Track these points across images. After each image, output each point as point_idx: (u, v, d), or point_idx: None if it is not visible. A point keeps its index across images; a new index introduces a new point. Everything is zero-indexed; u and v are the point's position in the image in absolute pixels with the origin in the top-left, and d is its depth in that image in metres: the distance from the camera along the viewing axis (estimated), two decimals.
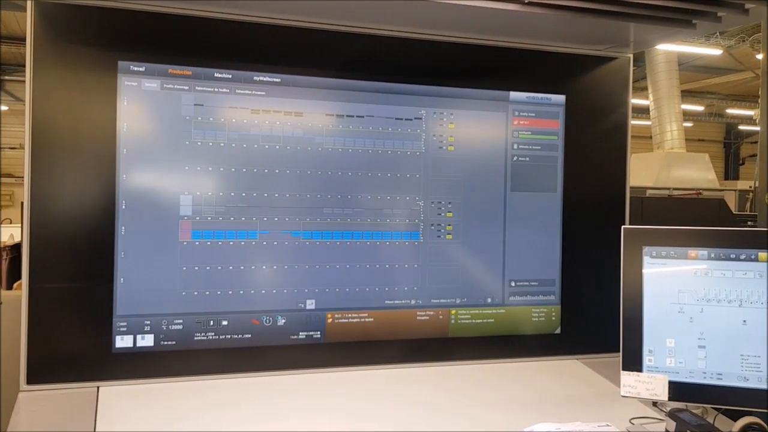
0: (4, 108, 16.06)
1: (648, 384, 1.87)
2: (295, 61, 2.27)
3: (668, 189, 9.77)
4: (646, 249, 1.91)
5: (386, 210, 2.38)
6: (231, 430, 1.84)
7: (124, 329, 2.11)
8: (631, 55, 2.64)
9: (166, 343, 2.15)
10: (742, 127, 21.05)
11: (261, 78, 2.23)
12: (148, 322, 2.14)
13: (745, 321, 1.83)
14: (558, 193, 2.56)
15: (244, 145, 2.23)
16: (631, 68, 2.65)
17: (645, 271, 1.91)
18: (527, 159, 2.53)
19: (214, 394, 2.07)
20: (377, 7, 2.12)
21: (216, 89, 2.20)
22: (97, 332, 2.10)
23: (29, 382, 2.01)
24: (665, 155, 11.04)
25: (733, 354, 1.83)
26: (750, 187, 11.22)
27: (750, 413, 1.76)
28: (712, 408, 1.93)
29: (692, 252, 1.89)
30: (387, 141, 2.37)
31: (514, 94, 2.51)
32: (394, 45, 2.36)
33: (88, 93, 2.08)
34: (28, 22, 2.00)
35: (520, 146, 2.52)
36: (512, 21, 2.22)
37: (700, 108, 18.94)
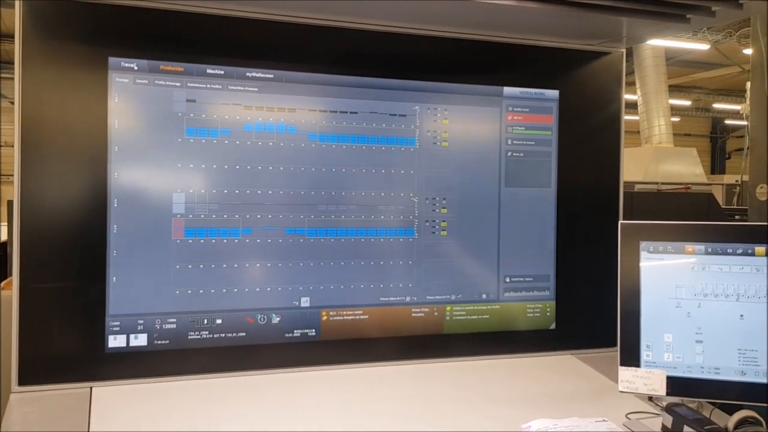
0: None
1: (646, 379, 1.87)
2: (288, 56, 2.25)
3: (656, 183, 9.83)
4: (643, 244, 1.91)
5: (381, 206, 2.37)
6: (226, 429, 1.82)
7: (117, 329, 2.09)
8: (624, 50, 2.64)
9: (159, 342, 2.13)
10: (728, 122, 21.20)
11: (254, 74, 2.21)
12: (142, 322, 2.11)
13: (742, 315, 1.83)
14: (552, 189, 2.56)
15: (237, 142, 2.20)
16: (624, 63, 2.65)
17: (642, 266, 1.91)
18: (521, 154, 2.52)
19: (209, 394, 2.05)
20: (369, 2, 2.10)
21: (208, 85, 2.17)
22: (90, 332, 2.07)
23: (21, 383, 1.98)
24: (653, 150, 11.11)
25: (730, 348, 1.84)
26: (736, 181, 11.30)
27: (746, 407, 1.77)
28: (708, 402, 1.94)
29: (689, 247, 1.89)
30: (381, 137, 2.36)
31: (507, 89, 2.50)
32: (387, 40, 2.34)
33: (79, 90, 2.05)
34: (16, 18, 1.97)
35: (514, 141, 2.51)
36: (505, 15, 2.21)
37: (687, 103, 19.07)
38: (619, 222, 1.97)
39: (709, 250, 1.88)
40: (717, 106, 19.57)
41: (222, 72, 2.17)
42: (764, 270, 1.83)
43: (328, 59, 2.30)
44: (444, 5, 2.11)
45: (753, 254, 1.84)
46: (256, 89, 2.22)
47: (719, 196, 10.75)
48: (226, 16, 2.15)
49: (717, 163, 22.55)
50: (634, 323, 1.90)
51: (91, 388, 2.03)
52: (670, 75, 13.23)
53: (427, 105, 2.40)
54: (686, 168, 10.82)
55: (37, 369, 2.01)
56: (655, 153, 10.90)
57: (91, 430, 1.77)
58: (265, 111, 2.23)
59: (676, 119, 16.69)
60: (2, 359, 2.08)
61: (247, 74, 2.20)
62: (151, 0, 2.07)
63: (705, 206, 6.04)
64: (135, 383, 2.08)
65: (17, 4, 1.96)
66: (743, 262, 1.85)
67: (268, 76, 2.22)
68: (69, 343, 2.06)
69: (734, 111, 17.95)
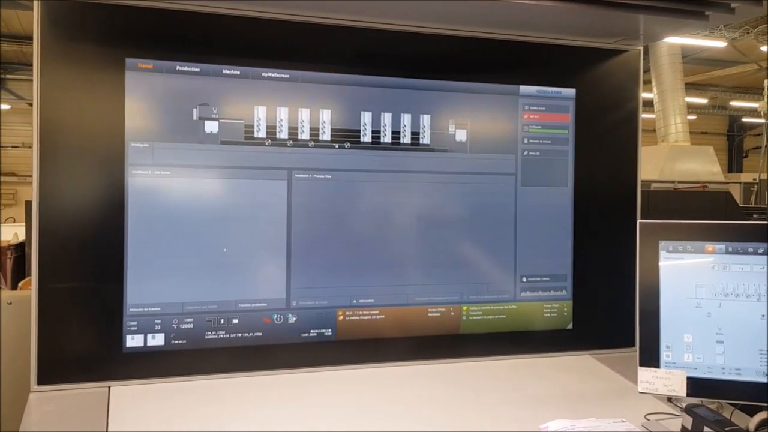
0: (5, 107, 16.07)
1: (666, 380, 1.85)
2: (304, 56, 2.25)
3: (673, 182, 9.76)
4: (662, 243, 1.89)
5: (396, 206, 2.36)
6: (243, 429, 1.83)
7: (135, 328, 2.10)
8: (642, 48, 2.62)
9: (176, 342, 2.14)
10: (745, 120, 21.01)
11: (269, 74, 2.21)
12: (159, 321, 2.12)
13: (763, 315, 1.81)
14: (569, 188, 2.54)
15: None
16: (642, 61, 2.63)
17: (662, 265, 1.89)
18: (538, 153, 2.51)
19: (226, 393, 2.06)
20: (387, 2, 2.10)
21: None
22: (108, 332, 2.08)
23: (40, 382, 2.00)
24: (670, 148, 11.01)
25: (751, 349, 1.81)
26: (754, 179, 11.20)
27: (767, 408, 1.75)
28: (729, 404, 1.92)
29: (709, 246, 1.86)
30: (394, 137, 2.35)
31: (524, 88, 2.49)
32: (402, 40, 2.34)
33: (96, 90, 2.06)
34: (34, 20, 1.98)
35: (531, 140, 2.50)
36: (522, 14, 2.20)
37: (703, 101, 18.92)
38: (638, 221, 1.95)
39: (730, 249, 1.85)
40: (734, 103, 19.40)
41: (238, 72, 2.18)
42: None
43: (343, 59, 2.30)
44: (461, 4, 2.10)
45: None
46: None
47: (737, 194, 10.65)
48: (241, 16, 2.15)
49: (734, 161, 22.36)
50: (654, 323, 1.88)
51: (109, 387, 2.04)
52: (687, 73, 13.10)
53: (444, 104, 2.39)
54: (703, 166, 10.72)
55: (56, 369, 2.02)
56: (671, 151, 10.80)
57: (109, 429, 1.78)
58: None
59: (692, 117, 16.56)
60: (21, 359, 2.09)
61: (263, 74, 2.21)
62: (168, 1, 2.08)
63: (722, 205, 5.99)
64: (152, 383, 2.09)
65: (35, 5, 1.97)
66: (764, 261, 1.82)
67: (283, 76, 2.22)
68: (87, 343, 2.07)
69: (752, 109, 17.78)
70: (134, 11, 2.06)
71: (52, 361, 2.01)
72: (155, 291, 2.12)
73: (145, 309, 2.11)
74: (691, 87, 16.39)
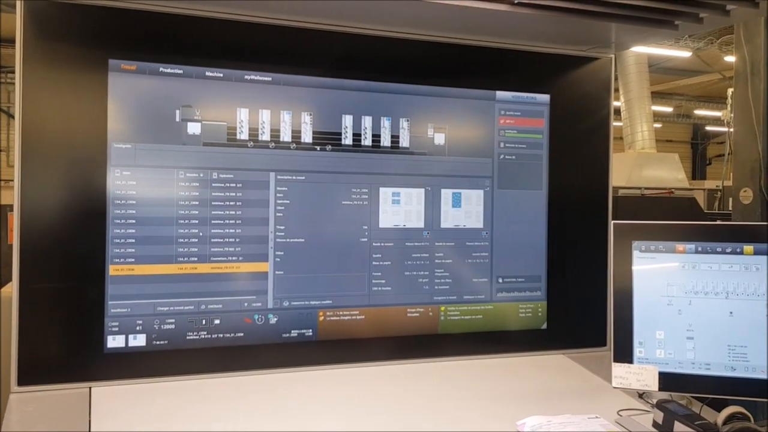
0: None
1: (639, 375, 1.91)
2: (286, 60, 2.27)
3: (640, 188, 9.92)
4: (635, 243, 1.95)
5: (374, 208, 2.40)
6: (224, 429, 1.84)
7: (116, 329, 2.10)
8: (614, 56, 2.69)
9: (158, 342, 2.14)
10: (709, 128, 21.45)
11: (252, 77, 2.24)
12: (140, 322, 2.12)
13: (731, 312, 1.88)
14: (543, 191, 2.60)
15: None
16: (614, 68, 2.70)
17: (635, 264, 1.95)
18: (513, 157, 2.56)
19: (208, 394, 2.06)
20: (367, 6, 2.13)
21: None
22: (89, 332, 2.08)
23: (20, 383, 1.99)
24: (636, 155, 11.19)
25: (720, 344, 1.88)
26: (717, 186, 11.43)
27: (734, 403, 1.81)
28: (696, 399, 1.98)
29: (680, 246, 1.94)
30: (374, 139, 2.39)
31: (500, 94, 2.55)
32: (382, 45, 2.38)
33: (79, 91, 2.06)
34: (17, 21, 1.98)
35: (507, 144, 2.55)
36: (499, 21, 2.25)
37: (668, 109, 19.27)
38: (612, 222, 2.01)
39: (699, 249, 1.93)
40: (698, 112, 19.80)
41: (221, 75, 2.20)
42: (753, 268, 1.89)
43: (325, 63, 2.33)
44: (441, 10, 2.14)
45: (741, 253, 1.90)
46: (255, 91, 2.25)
47: (701, 201, 10.87)
48: (225, 19, 2.17)
49: (698, 168, 22.79)
50: (627, 321, 1.94)
51: (90, 388, 2.03)
52: (653, 82, 13.35)
53: (421, 108, 2.43)
54: (669, 173, 10.92)
55: (37, 369, 2.01)
56: (638, 158, 10.98)
57: (92, 430, 1.78)
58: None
59: (658, 125, 16.85)
60: (2, 360, 2.08)
61: (246, 77, 2.23)
62: (151, 3, 2.09)
63: (688, 210, 6.11)
64: (134, 383, 2.09)
65: (18, 6, 1.97)
66: (732, 260, 1.90)
67: (266, 79, 2.25)
68: (68, 344, 2.06)
69: (715, 117, 18.20)
70: (118, 13, 2.07)
71: (32, 362, 2.00)
72: (136, 291, 2.12)
73: (127, 309, 2.11)
74: (657, 96, 16.68)
